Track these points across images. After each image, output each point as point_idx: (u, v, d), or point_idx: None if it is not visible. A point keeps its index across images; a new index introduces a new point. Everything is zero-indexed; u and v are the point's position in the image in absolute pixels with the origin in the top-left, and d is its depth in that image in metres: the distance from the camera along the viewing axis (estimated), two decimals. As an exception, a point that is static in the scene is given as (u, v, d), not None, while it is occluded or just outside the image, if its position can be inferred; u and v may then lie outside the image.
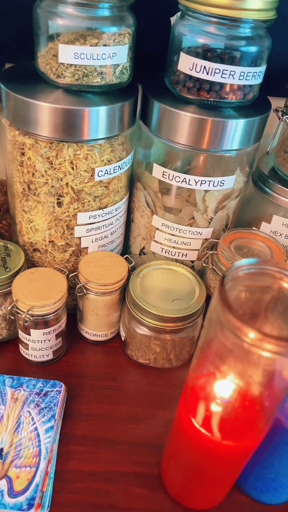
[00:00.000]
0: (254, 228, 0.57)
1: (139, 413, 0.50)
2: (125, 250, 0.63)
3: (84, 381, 0.53)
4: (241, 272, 0.30)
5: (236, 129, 0.47)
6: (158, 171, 0.51)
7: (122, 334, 0.55)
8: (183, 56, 0.43)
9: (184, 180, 0.49)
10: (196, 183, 0.49)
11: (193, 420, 0.35)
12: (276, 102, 0.53)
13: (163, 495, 0.44)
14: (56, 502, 0.42)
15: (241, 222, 0.60)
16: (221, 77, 0.43)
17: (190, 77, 0.45)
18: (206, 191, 0.51)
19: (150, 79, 0.51)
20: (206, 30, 0.42)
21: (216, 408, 0.33)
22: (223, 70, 0.42)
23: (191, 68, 0.43)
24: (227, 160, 0.50)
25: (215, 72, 0.43)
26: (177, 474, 0.41)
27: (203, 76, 0.43)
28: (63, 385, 0.49)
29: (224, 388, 0.32)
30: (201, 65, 0.42)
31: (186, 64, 0.43)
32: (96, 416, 0.50)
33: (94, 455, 0.46)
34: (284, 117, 0.49)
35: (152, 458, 0.46)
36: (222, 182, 0.50)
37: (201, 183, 0.49)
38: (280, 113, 0.51)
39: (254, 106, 0.49)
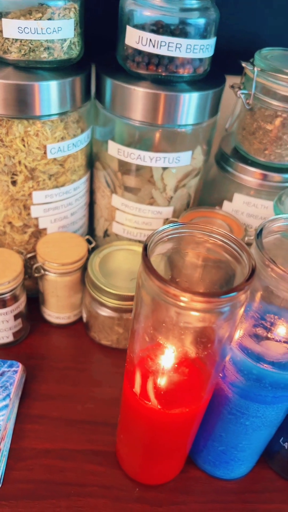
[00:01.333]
0: (217, 207, 0.57)
1: (98, 393, 0.50)
2: (91, 232, 0.63)
3: (45, 362, 0.53)
4: (167, 237, 0.30)
5: (189, 103, 0.47)
6: (113, 148, 0.50)
7: (84, 316, 0.55)
8: (129, 30, 0.43)
9: (139, 157, 0.49)
10: (151, 159, 0.49)
11: (133, 390, 0.35)
12: (236, 80, 0.53)
13: (118, 472, 0.44)
14: (8, 479, 0.42)
15: (206, 203, 0.60)
16: (168, 50, 0.43)
17: (140, 52, 0.44)
18: (164, 169, 0.51)
19: (104, 57, 0.51)
20: (152, 3, 0.42)
21: (152, 376, 0.33)
22: (169, 42, 0.42)
23: (137, 42, 0.43)
24: (183, 136, 0.50)
25: (161, 45, 0.42)
26: (128, 449, 0.41)
27: (149, 49, 0.43)
28: (20, 365, 0.49)
29: (158, 354, 0.32)
30: (147, 38, 0.42)
31: (133, 38, 0.43)
32: (55, 396, 0.49)
33: (50, 434, 0.46)
34: (239, 92, 0.49)
35: (109, 436, 0.46)
36: (178, 159, 0.50)
37: (156, 160, 0.49)
38: (236, 90, 0.50)
39: (208, 80, 0.49)
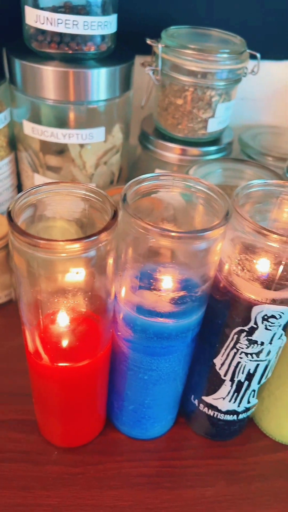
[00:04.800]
0: (141, 184, 0.59)
1: (27, 367, 0.51)
2: (23, 216, 0.64)
3: (-25, 341, 0.54)
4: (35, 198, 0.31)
5: (98, 78, 0.49)
6: (28, 127, 0.52)
7: (13, 295, 0.56)
8: (27, 9, 0.45)
9: (53, 134, 0.51)
10: (64, 136, 0.51)
11: (29, 350, 0.36)
12: (149, 59, 0.55)
13: (38, 438, 0.45)
14: None
15: (134, 181, 0.62)
16: (66, 27, 0.44)
17: (43, 31, 0.46)
18: (81, 146, 0.53)
19: (16, 41, 0.52)
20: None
21: (39, 332, 0.34)
22: (66, 20, 0.44)
23: (36, 21, 0.44)
24: (97, 113, 0.51)
25: (58, 23, 0.44)
26: (41, 413, 0.43)
27: (48, 27, 0.44)
28: None
29: (41, 310, 0.33)
30: (44, 16, 0.44)
31: (31, 17, 0.45)
32: (-18, 372, 0.51)
33: (-26, 406, 0.47)
34: (147, 68, 0.51)
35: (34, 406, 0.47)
36: (91, 135, 0.51)
37: (70, 136, 0.51)
38: (146, 67, 0.52)
39: (117, 57, 0.51)
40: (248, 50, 0.52)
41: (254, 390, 0.40)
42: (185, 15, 0.57)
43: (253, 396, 0.41)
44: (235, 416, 0.42)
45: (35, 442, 0.45)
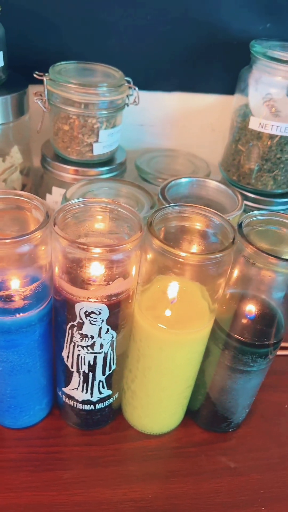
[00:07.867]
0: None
1: None
2: None
3: None
4: None
5: (-7, 105, 0.55)
6: None
7: None
8: None
9: None
10: None
11: None
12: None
13: None
14: None
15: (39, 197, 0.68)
16: None
17: None
18: (-21, 165, 0.59)
19: None
20: None
21: None
22: None
23: None
24: (-5, 136, 0.58)
25: None
26: None
27: None
28: None
29: None
30: None
31: None
32: None
33: None
34: (35, 98, 0.57)
35: None
36: (-15, 155, 0.57)
37: None
38: (38, 96, 0.58)
39: (10, 86, 0.57)
40: (127, 84, 0.59)
41: (101, 381, 0.45)
42: (78, 50, 0.64)
43: (104, 387, 0.46)
44: (92, 406, 0.48)
45: None
